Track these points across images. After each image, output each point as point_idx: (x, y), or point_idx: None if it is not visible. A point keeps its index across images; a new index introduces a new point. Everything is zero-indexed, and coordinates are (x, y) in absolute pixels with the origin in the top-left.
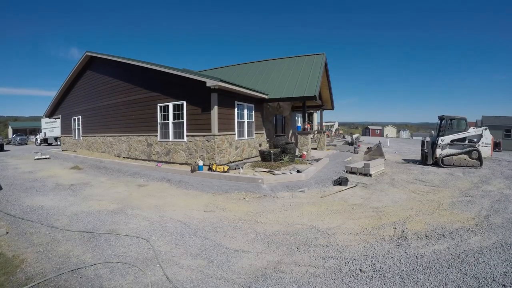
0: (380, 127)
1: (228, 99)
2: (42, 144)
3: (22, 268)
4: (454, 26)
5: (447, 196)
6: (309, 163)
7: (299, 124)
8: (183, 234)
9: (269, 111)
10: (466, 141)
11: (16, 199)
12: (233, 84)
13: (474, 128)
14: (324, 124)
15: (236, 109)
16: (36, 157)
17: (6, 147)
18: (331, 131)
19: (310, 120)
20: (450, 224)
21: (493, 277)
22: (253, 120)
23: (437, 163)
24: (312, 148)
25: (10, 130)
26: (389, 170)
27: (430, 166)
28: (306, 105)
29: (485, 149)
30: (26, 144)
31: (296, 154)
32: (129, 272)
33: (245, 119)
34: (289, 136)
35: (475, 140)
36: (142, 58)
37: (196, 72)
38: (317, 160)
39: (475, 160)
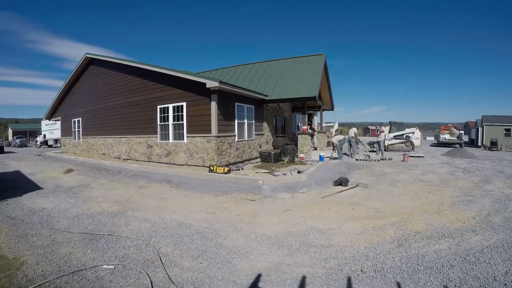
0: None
1: (228, 100)
2: (42, 146)
3: (23, 270)
4: (454, 25)
5: (447, 196)
6: (309, 164)
7: (305, 126)
8: (184, 235)
9: (269, 112)
10: (404, 136)
11: (17, 201)
12: (233, 85)
13: (409, 129)
14: (324, 124)
15: (236, 110)
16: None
17: (7, 149)
18: (331, 131)
19: (310, 121)
20: (451, 224)
21: (494, 276)
22: (253, 121)
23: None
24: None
25: (10, 132)
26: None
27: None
28: (306, 105)
29: (416, 141)
30: (26, 146)
31: (296, 154)
32: (130, 274)
33: (245, 120)
34: (289, 137)
35: (410, 135)
36: (142, 60)
37: (196, 73)
38: (318, 160)
39: (409, 147)
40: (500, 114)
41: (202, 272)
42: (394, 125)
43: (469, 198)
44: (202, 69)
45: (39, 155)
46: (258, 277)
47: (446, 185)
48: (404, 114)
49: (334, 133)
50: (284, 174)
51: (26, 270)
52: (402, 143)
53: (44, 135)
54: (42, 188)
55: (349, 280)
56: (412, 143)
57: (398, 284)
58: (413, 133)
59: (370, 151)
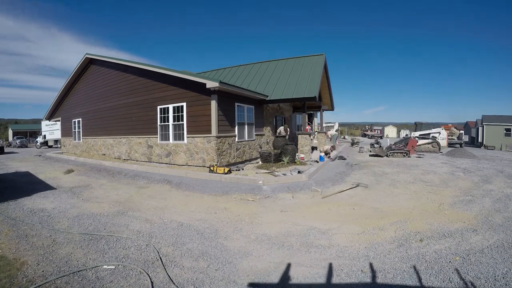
0: (380, 127)
1: (228, 100)
2: (42, 147)
3: (23, 270)
4: (453, 25)
5: (448, 196)
6: (310, 164)
7: (308, 126)
8: (184, 235)
9: (269, 112)
10: (431, 136)
11: (17, 201)
12: (233, 85)
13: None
14: (324, 124)
15: (236, 110)
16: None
17: (7, 149)
18: (331, 131)
19: (310, 121)
20: (451, 224)
21: (495, 276)
22: (253, 121)
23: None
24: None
25: (10, 133)
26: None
27: (430, 164)
28: (306, 106)
29: (442, 141)
30: (27, 146)
31: (296, 154)
32: (130, 274)
33: (245, 120)
34: (290, 137)
35: (436, 136)
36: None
37: (196, 73)
38: (318, 160)
39: (436, 148)
40: (501, 114)
41: (202, 272)
42: (420, 126)
43: (469, 198)
44: (202, 69)
45: (40, 155)
46: (259, 277)
47: (447, 185)
48: (404, 114)
49: (334, 133)
50: (285, 175)
51: (26, 270)
52: (429, 143)
53: (45, 136)
54: (49, 190)
55: (349, 280)
56: (438, 144)
57: (399, 284)
58: (439, 133)
59: None
